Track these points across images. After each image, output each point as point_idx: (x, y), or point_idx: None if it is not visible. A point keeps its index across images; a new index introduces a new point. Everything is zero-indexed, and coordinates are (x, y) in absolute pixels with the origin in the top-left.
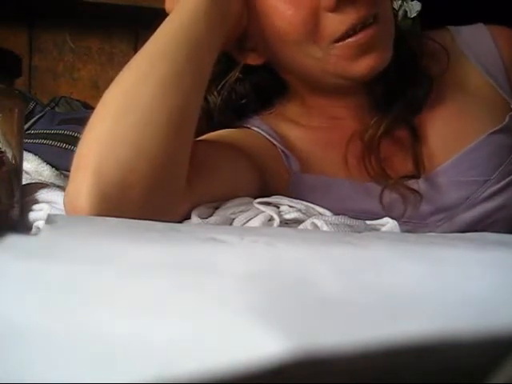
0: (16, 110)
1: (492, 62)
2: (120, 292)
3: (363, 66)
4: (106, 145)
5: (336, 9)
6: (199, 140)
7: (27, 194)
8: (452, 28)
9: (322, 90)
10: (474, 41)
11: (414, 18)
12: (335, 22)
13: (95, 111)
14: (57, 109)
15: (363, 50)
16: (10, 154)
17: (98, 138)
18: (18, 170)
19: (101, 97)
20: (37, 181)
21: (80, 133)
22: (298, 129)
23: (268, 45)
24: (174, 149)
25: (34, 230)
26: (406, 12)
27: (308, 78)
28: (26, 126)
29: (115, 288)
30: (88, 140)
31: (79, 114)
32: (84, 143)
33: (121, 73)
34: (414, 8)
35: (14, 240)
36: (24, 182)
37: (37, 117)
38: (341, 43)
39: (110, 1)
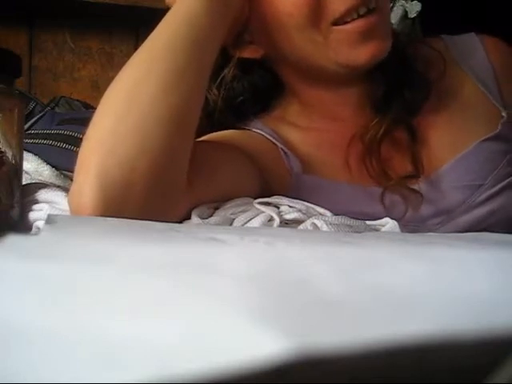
0: (16, 110)
1: (483, 71)
2: (120, 292)
3: (364, 53)
4: (108, 144)
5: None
6: (200, 140)
7: (27, 194)
8: (445, 37)
9: (321, 83)
10: (467, 50)
11: (413, 18)
12: (336, 2)
13: (97, 110)
14: (57, 109)
15: (364, 37)
16: (9, 154)
17: (99, 137)
18: (18, 170)
19: (101, 97)
20: (37, 181)
21: (80, 133)
22: (298, 131)
23: (268, 34)
24: (175, 147)
25: (33, 230)
26: (405, 12)
27: (308, 67)
28: (26, 126)
29: (115, 288)
30: (90, 139)
31: (79, 114)
32: (86, 143)
33: (122, 70)
34: (414, 8)
35: (14, 240)
36: (24, 182)
37: (37, 117)
38: (340, 27)
39: (110, 1)
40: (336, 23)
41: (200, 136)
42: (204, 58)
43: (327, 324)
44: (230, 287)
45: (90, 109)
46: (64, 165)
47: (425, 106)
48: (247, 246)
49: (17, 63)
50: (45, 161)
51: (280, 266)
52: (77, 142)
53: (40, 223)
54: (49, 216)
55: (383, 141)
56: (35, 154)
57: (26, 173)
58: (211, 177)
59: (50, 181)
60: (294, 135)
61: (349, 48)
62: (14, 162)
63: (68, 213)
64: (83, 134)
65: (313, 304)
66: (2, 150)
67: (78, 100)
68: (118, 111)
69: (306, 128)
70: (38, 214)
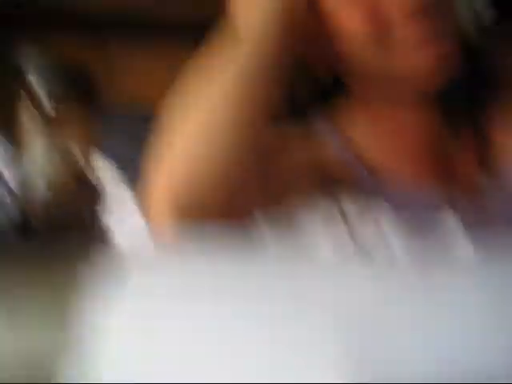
0: (91, 125)
1: None
2: None
3: (425, 57)
4: (182, 167)
5: (408, 16)
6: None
7: (107, 210)
8: None
9: (389, 99)
10: None
11: (488, 25)
12: (404, 29)
13: (170, 133)
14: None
15: (425, 42)
16: (89, 168)
17: (173, 157)
18: (97, 186)
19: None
20: (114, 189)
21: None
22: (363, 133)
23: (331, 49)
24: (247, 164)
25: (114, 247)
26: (479, 20)
27: (374, 82)
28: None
29: None
30: (164, 160)
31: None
32: (160, 163)
33: (192, 98)
34: (488, 15)
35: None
36: (103, 190)
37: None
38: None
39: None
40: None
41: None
42: (275, 79)
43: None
44: (320, 316)
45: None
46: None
47: (496, 107)
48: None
49: (93, 80)
50: (122, 165)
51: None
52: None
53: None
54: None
55: (452, 143)
56: (113, 158)
57: (104, 180)
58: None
59: (127, 190)
60: (358, 137)
61: (411, 51)
62: (91, 176)
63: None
64: None
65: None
66: (82, 165)
67: (145, 103)
68: (190, 135)
69: (371, 131)
70: (117, 229)
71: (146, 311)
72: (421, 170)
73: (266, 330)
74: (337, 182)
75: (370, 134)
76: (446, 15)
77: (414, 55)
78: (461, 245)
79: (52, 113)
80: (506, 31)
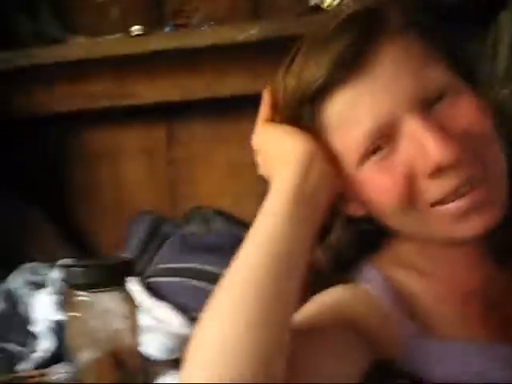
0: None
1: None
2: None
3: (467, 228)
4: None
5: (435, 176)
6: (296, 330)
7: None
8: None
9: (433, 242)
10: None
11: None
12: (432, 187)
13: (193, 344)
14: (189, 227)
15: (467, 214)
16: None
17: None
18: (135, 354)
19: (237, 181)
20: (164, 329)
21: (212, 265)
22: (411, 275)
23: (365, 207)
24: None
25: None
26: None
27: (412, 236)
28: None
29: None
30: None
31: (211, 240)
32: (191, 363)
33: (215, 298)
34: None
35: None
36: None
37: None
38: (439, 207)
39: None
40: (434, 204)
41: (306, 292)
42: (300, 263)
43: None
44: None
45: (222, 216)
46: (194, 305)
47: None
48: None
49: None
50: (174, 303)
51: None
52: (210, 277)
53: None
54: None
55: (507, 296)
56: (166, 298)
57: (158, 320)
58: (314, 366)
59: (179, 329)
60: (406, 280)
61: (450, 225)
62: (130, 342)
63: None
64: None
65: None
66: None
67: (209, 208)
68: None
69: (420, 272)
70: None
71: None
72: (472, 318)
73: None
74: (381, 343)
75: (415, 276)
76: (495, 178)
77: (456, 225)
78: None
79: (91, 299)
80: None
